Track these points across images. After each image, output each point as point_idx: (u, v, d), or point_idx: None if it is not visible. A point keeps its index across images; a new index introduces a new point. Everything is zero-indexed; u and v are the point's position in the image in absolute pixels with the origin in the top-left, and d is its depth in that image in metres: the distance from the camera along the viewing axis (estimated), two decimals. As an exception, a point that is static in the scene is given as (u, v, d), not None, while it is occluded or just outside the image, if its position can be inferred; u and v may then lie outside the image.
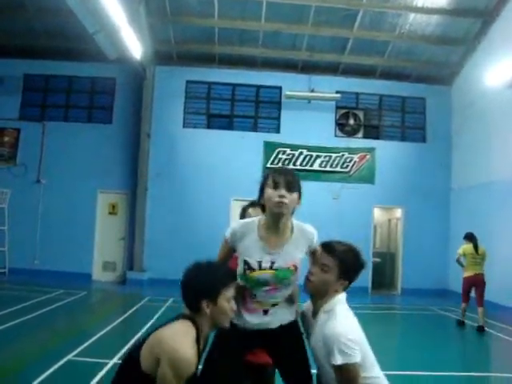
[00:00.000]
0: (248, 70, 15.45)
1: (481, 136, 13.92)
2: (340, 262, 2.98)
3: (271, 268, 3.00)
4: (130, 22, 12.40)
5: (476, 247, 10.32)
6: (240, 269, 3.06)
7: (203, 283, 2.68)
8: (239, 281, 3.01)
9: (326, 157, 15.29)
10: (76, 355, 6.50)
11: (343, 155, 15.37)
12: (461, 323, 10.41)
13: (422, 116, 15.98)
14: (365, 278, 15.09)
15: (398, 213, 16.00)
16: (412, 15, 14.02)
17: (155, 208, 14.87)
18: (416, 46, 15.00)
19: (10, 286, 12.56)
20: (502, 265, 11.76)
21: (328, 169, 15.29)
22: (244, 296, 3.10)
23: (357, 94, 15.83)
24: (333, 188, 15.17)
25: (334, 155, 15.33)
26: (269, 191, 3.02)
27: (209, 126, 15.35)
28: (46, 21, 14.17)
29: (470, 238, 10.52)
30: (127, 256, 15.10)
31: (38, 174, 15.27)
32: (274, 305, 3.12)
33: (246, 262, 3.02)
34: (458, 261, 10.67)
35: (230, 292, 2.76)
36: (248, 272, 3.01)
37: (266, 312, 3.11)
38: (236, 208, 15.02)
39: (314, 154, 15.26)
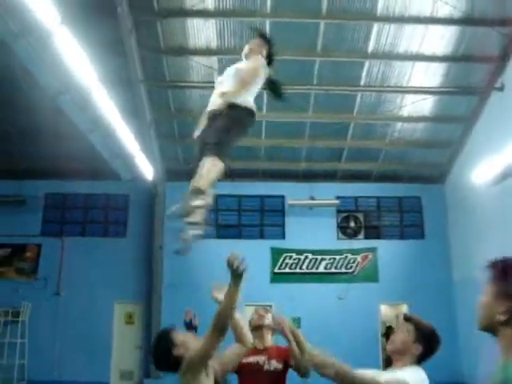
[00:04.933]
0: (252, 181, 16.59)
1: (475, 229, 14.65)
2: (415, 326, 3.25)
3: None
4: (142, 146, 13.67)
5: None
6: None
7: (159, 350, 3.33)
8: None
9: (330, 259, 16.09)
10: None
11: (347, 256, 16.17)
12: None
13: (419, 214, 16.88)
14: (376, 375, 15.39)
15: (405, 308, 16.47)
16: (399, 124, 15.31)
17: (170, 316, 15.41)
18: (406, 150, 16.21)
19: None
20: None
21: (333, 270, 16.05)
22: None
23: (355, 197, 16.89)
24: (338, 289, 15.82)
25: (337, 257, 16.14)
26: None
27: (218, 236, 16.28)
28: (66, 145, 15.33)
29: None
30: (144, 364, 15.56)
31: (58, 287, 16.03)
32: None
33: None
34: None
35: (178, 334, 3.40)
36: None
37: None
38: (248, 313, 15.63)
39: (319, 257, 16.09)
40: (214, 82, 13.63)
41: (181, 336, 3.36)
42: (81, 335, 15.43)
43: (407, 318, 3.38)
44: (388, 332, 16.14)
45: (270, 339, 4.36)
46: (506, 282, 2.01)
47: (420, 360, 3.26)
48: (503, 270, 2.09)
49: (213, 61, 13.20)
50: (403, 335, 3.27)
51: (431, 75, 13.65)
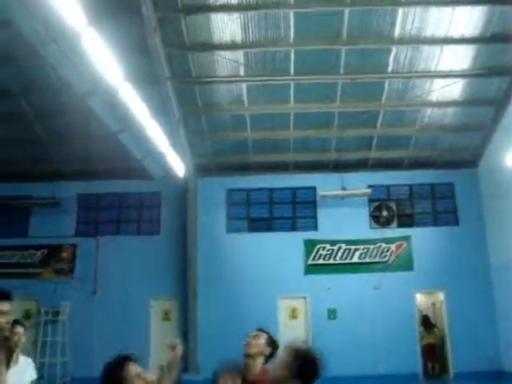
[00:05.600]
0: (282, 174, 16.58)
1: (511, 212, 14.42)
2: (296, 360, 3.07)
3: None
4: (172, 143, 13.76)
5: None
6: None
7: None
8: None
9: (364, 249, 16.00)
10: None
11: (380, 246, 16.04)
12: None
13: (452, 200, 16.64)
14: (414, 364, 15.30)
15: (441, 296, 16.29)
16: (429, 109, 15.08)
17: (206, 311, 15.59)
18: (437, 136, 15.97)
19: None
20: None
21: (367, 260, 15.95)
22: None
23: (387, 186, 16.73)
24: (373, 278, 15.70)
25: (371, 247, 16.03)
26: None
27: (250, 230, 16.37)
28: (97, 146, 15.53)
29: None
30: (181, 359, 15.65)
31: (94, 286, 16.28)
32: None
33: None
34: None
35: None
36: None
37: None
38: (283, 305, 15.70)
39: (353, 247, 16.00)
40: (240, 76, 13.66)
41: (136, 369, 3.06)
42: (119, 332, 15.62)
43: (291, 351, 3.15)
44: (425, 321, 16.11)
45: (258, 367, 4.18)
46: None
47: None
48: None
49: (238, 55, 13.19)
50: (281, 370, 3.09)
51: (460, 58, 13.40)
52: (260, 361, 4.21)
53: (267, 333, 4.35)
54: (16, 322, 4.93)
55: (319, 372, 3.15)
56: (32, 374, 5.01)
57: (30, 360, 5.08)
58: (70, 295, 16.06)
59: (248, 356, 4.19)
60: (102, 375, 3.08)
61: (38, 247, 16.91)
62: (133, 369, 3.05)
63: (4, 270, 16.49)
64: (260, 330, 4.39)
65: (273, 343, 4.29)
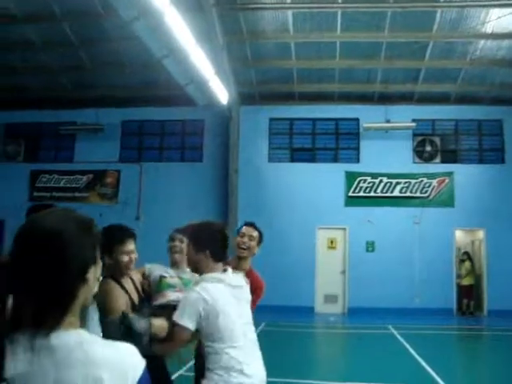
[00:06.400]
0: (326, 104, 16.41)
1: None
2: (189, 238, 3.21)
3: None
4: (216, 70, 13.69)
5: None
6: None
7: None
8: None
9: (405, 183, 15.91)
10: None
11: (422, 181, 15.91)
12: None
13: (500, 138, 16.23)
14: (450, 299, 15.43)
15: (481, 234, 16.19)
16: (482, 42, 14.47)
17: (245, 238, 15.88)
18: (488, 70, 15.40)
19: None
20: None
21: (408, 194, 15.89)
22: None
23: (433, 120, 16.40)
24: (414, 213, 15.67)
25: (413, 181, 15.92)
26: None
27: (292, 160, 16.42)
28: (142, 73, 15.65)
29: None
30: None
31: (138, 211, 16.72)
32: None
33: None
34: None
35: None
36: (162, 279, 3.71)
37: None
38: (321, 235, 15.88)
39: (394, 180, 15.92)
40: (286, 3, 13.29)
41: None
42: (160, 257, 16.02)
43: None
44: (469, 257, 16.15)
45: (247, 267, 4.20)
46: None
47: (219, 257, 3.11)
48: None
49: (285, -21, 12.84)
50: (187, 253, 3.20)
51: (520, -14, 12.73)
52: (249, 261, 4.28)
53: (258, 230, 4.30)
54: None
55: (212, 230, 3.17)
56: None
57: None
58: (115, 219, 16.40)
59: (242, 257, 4.20)
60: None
61: (83, 172, 17.39)
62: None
63: (52, 194, 17.12)
64: (251, 224, 4.34)
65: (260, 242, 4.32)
